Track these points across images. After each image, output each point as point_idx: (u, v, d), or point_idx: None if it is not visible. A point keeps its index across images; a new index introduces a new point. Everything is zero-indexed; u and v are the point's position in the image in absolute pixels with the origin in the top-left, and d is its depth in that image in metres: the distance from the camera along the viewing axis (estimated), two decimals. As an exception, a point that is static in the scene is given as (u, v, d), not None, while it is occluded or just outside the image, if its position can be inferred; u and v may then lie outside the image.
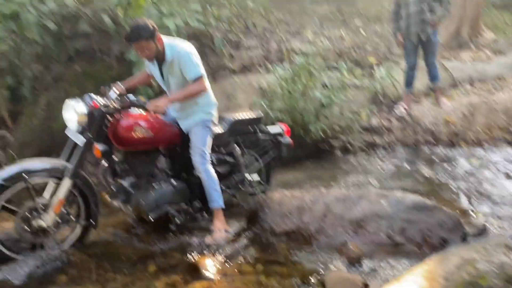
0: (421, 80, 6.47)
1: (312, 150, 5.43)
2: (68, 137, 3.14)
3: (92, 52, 5.99)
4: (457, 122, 5.82)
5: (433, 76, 6.10)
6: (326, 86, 5.33)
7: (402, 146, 5.61)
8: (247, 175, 3.86)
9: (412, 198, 3.02)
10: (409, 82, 6.06)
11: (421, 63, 6.09)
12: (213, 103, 3.48)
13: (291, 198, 3.32)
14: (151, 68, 3.42)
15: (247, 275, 2.70)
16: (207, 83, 3.29)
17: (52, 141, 5.16)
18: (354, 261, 2.74)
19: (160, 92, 4.42)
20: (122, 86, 3.43)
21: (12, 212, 2.94)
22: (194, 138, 3.36)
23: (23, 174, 2.89)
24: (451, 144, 5.57)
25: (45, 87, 5.90)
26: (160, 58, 3.23)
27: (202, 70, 3.22)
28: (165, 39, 3.23)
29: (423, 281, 1.90)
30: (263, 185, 3.97)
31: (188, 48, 3.23)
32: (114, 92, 3.34)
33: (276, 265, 2.78)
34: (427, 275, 1.92)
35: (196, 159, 3.32)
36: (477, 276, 1.84)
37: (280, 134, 4.06)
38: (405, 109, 6.03)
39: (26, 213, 2.94)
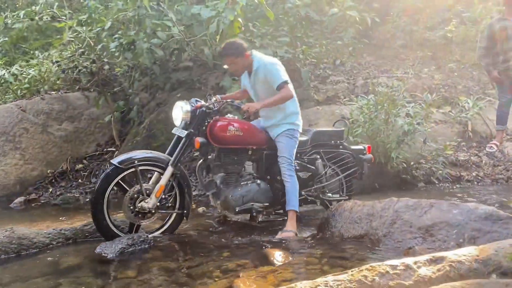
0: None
1: (394, 180, 5.42)
2: (174, 136, 3.67)
3: (191, 82, 6.70)
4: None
5: (498, 118, 5.88)
6: (410, 116, 5.37)
7: (491, 182, 5.37)
8: (329, 194, 4.08)
9: (485, 208, 2.95)
10: (502, 120, 5.88)
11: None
12: (298, 112, 3.85)
13: (362, 206, 3.40)
14: (244, 81, 3.92)
15: (312, 265, 2.82)
16: (292, 90, 3.67)
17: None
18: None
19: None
20: (219, 97, 3.89)
21: (123, 190, 3.44)
22: (281, 146, 3.73)
23: (136, 161, 3.41)
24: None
25: (150, 111, 6.67)
26: (249, 70, 3.72)
27: (286, 77, 3.63)
28: (255, 53, 3.72)
29: (475, 251, 1.91)
30: (343, 198, 4.13)
31: (273, 60, 3.73)
32: (214, 99, 3.81)
33: (341, 260, 2.87)
34: (479, 249, 1.93)
35: (283, 166, 3.68)
36: (532, 252, 1.81)
37: (361, 151, 4.26)
38: (496, 145, 5.80)
39: (134, 194, 3.43)
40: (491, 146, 5.82)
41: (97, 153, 6.71)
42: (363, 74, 7.34)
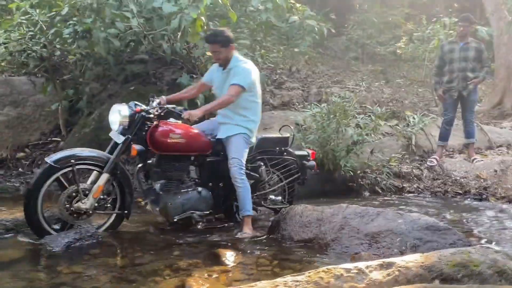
0: (456, 138, 6.62)
1: (341, 187, 5.60)
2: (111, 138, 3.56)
3: (146, 75, 6.59)
4: (488, 177, 5.86)
5: (468, 133, 6.23)
6: (360, 126, 5.58)
7: (430, 194, 5.68)
8: (271, 196, 4.12)
9: (426, 219, 3.16)
10: (444, 137, 6.22)
11: (457, 123, 6.29)
12: (257, 122, 3.83)
13: (312, 211, 3.52)
14: (216, 74, 3.83)
15: (263, 266, 2.88)
16: (237, 96, 3.58)
17: (99, 149, 5.65)
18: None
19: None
20: (165, 99, 3.81)
21: (62, 186, 3.30)
22: (233, 147, 3.64)
23: (73, 159, 3.28)
24: (480, 198, 5.59)
25: (101, 102, 6.47)
26: (225, 65, 3.69)
27: (244, 83, 3.56)
28: (237, 54, 3.72)
29: (420, 258, 2.04)
30: (285, 205, 4.14)
31: (249, 65, 3.68)
32: (156, 102, 3.70)
33: (291, 262, 2.95)
34: (424, 256, 2.07)
35: (234, 169, 3.60)
36: (470, 261, 1.97)
37: (305, 157, 4.28)
38: (436, 160, 6.15)
39: (72, 193, 3.29)
40: (432, 160, 6.17)
41: (40, 142, 6.43)
42: (316, 83, 7.54)
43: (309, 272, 1.89)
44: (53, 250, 3.08)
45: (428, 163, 6.17)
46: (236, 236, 3.53)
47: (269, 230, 3.68)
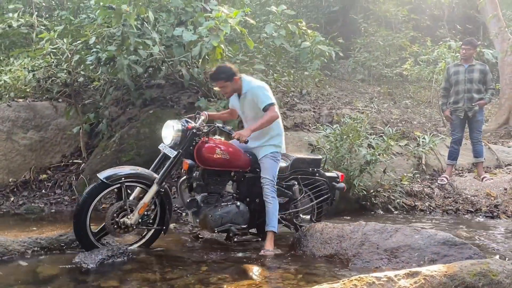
0: (465, 157, 6.79)
1: (354, 206, 5.77)
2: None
3: (163, 100, 6.84)
4: (498, 195, 6.00)
5: (476, 152, 6.41)
6: (372, 147, 5.76)
7: (442, 212, 5.82)
8: (302, 217, 4.33)
9: (442, 234, 3.30)
10: (452, 156, 6.39)
11: (466, 142, 6.49)
12: (282, 133, 4.06)
13: (333, 228, 3.67)
14: (234, 102, 4.11)
15: (288, 280, 3.02)
16: (278, 111, 3.89)
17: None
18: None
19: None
20: (207, 114, 4.07)
21: (119, 198, 3.52)
22: (264, 168, 3.90)
23: (122, 177, 3.50)
24: (491, 216, 5.72)
25: (121, 126, 6.71)
26: (239, 92, 3.93)
27: (272, 100, 3.84)
28: (245, 77, 3.96)
29: (443, 268, 2.19)
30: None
31: (261, 83, 3.95)
32: (201, 119, 3.94)
33: (315, 276, 3.10)
34: (446, 266, 2.23)
35: (266, 188, 3.84)
36: (489, 271, 2.12)
37: (334, 179, 4.48)
38: (446, 179, 6.31)
39: (118, 209, 3.50)
40: (442, 179, 6.34)
41: (62, 164, 6.64)
42: (327, 104, 7.76)
43: (343, 281, 2.05)
44: (88, 267, 3.25)
45: (438, 181, 6.33)
46: (260, 254, 3.70)
47: (290, 247, 3.84)
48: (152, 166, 3.75)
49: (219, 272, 3.19)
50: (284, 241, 4.16)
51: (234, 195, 3.97)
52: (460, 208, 5.88)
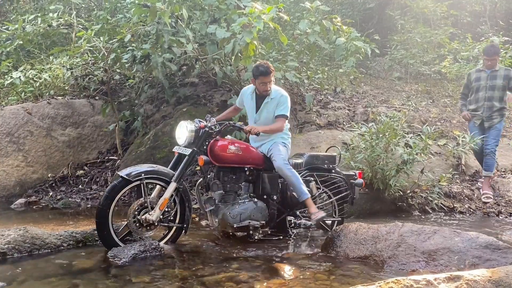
0: (508, 158, 6.48)
1: (390, 206, 5.59)
2: (175, 153, 3.82)
3: (197, 98, 6.87)
4: (545, 198, 5.70)
5: (487, 165, 5.88)
6: (409, 146, 5.58)
7: (482, 215, 5.57)
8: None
9: (485, 237, 3.14)
10: (485, 166, 5.90)
11: (509, 142, 6.13)
12: (288, 134, 4.20)
13: (368, 229, 3.57)
14: (247, 101, 4.19)
15: (321, 281, 2.95)
16: (286, 124, 4.07)
17: (155, 166, 5.95)
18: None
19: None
20: (214, 120, 4.09)
21: (139, 197, 3.55)
22: (275, 152, 3.98)
23: (142, 174, 3.52)
24: (536, 219, 5.44)
25: (155, 123, 6.79)
26: (264, 94, 4.02)
27: (288, 113, 4.02)
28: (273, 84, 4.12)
29: (487, 273, 2.07)
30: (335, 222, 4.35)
31: (287, 94, 4.11)
32: (212, 120, 3.98)
33: (348, 277, 3.01)
34: (490, 271, 2.10)
35: (278, 162, 3.90)
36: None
37: (352, 176, 4.46)
38: (491, 196, 5.82)
39: (140, 205, 3.53)
40: (488, 196, 5.81)
41: (98, 160, 6.78)
42: (362, 103, 7.59)
43: (379, 283, 1.97)
44: (121, 261, 3.28)
45: (483, 200, 5.82)
46: (310, 222, 3.86)
47: (322, 247, 3.75)
48: (169, 166, 3.79)
49: (250, 270, 3.16)
50: (317, 241, 4.08)
51: (251, 195, 3.99)
52: (502, 210, 5.61)
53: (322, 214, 3.88)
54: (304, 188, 3.88)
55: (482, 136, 5.82)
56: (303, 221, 4.06)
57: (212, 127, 3.80)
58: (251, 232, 3.89)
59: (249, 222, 3.82)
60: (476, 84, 5.90)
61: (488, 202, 5.77)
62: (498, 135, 5.94)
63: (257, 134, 3.82)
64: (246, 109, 4.26)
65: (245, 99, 4.22)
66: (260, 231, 3.93)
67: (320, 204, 4.27)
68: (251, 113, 4.17)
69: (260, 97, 4.07)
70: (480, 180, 6.15)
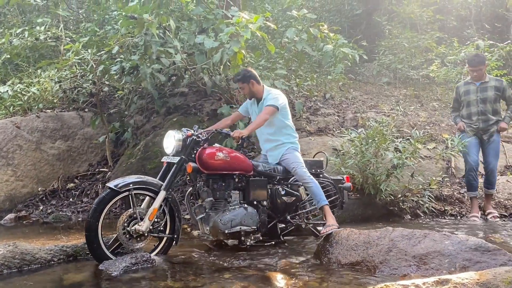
0: (500, 159, 6.51)
1: (382, 211, 5.62)
2: (163, 163, 3.84)
3: (187, 107, 6.88)
4: (534, 199, 5.75)
5: (489, 183, 5.53)
6: (399, 150, 5.61)
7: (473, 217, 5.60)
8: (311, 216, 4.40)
9: (474, 240, 3.16)
10: (472, 186, 5.50)
11: (502, 149, 6.16)
12: (296, 137, 4.33)
13: (359, 234, 3.58)
14: (250, 107, 4.38)
15: (314, 288, 2.96)
16: (272, 114, 4.09)
17: (146, 177, 5.93)
18: None
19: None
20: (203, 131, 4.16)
21: (128, 207, 3.56)
22: (290, 161, 4.13)
23: (131, 184, 3.51)
24: (526, 220, 5.48)
25: (146, 134, 6.78)
26: (259, 99, 4.21)
27: (277, 104, 4.09)
28: (266, 87, 4.30)
29: (475, 275, 2.08)
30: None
31: (278, 92, 4.24)
32: (200, 130, 4.06)
33: (341, 284, 3.01)
34: (478, 274, 2.11)
35: (299, 171, 4.07)
36: (527, 278, 2.01)
37: (339, 181, 4.59)
38: (477, 218, 5.44)
39: (129, 216, 3.51)
40: (475, 219, 5.42)
41: (89, 172, 6.74)
42: (351, 108, 7.63)
43: (368, 289, 1.97)
44: (112, 274, 3.25)
45: (490, 219, 5.44)
46: (322, 233, 3.83)
47: (315, 254, 3.76)
48: (158, 176, 3.80)
49: (242, 279, 3.15)
50: (309, 248, 4.09)
51: (241, 201, 4.04)
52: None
53: (335, 227, 3.82)
54: (323, 196, 4.03)
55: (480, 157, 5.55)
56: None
57: (199, 135, 3.86)
58: (242, 238, 3.94)
59: (240, 228, 3.87)
60: (465, 97, 5.49)
61: (493, 217, 5.47)
62: (498, 149, 5.53)
63: (243, 137, 3.89)
64: (251, 115, 4.44)
65: (249, 106, 4.41)
66: (252, 237, 3.99)
67: (311, 208, 4.33)
68: (254, 117, 4.33)
69: (259, 101, 4.26)
70: (471, 219, 5.47)
